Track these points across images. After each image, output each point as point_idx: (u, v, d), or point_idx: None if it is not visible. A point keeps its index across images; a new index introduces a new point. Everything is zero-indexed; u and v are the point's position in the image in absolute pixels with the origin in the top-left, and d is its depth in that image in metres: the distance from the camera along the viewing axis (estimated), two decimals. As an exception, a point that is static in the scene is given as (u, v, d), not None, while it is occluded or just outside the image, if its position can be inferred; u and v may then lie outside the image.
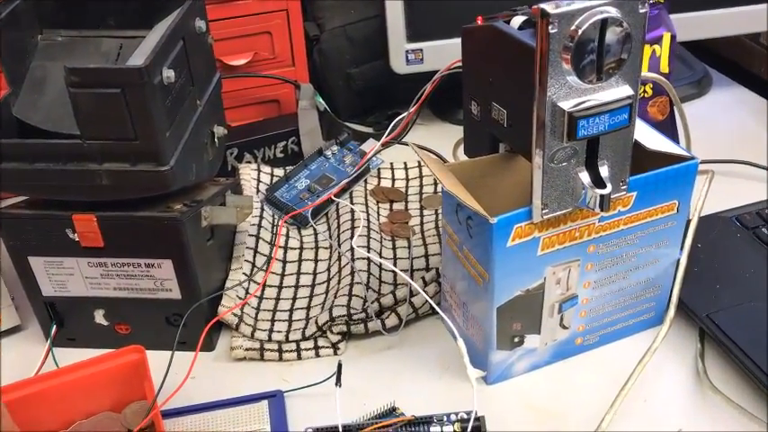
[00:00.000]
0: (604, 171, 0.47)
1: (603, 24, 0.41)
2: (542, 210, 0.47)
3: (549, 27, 0.41)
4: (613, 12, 0.41)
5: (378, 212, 0.71)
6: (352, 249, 0.63)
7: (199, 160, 0.56)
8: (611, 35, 0.42)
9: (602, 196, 0.46)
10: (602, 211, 0.47)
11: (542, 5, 0.41)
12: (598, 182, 0.46)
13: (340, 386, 0.49)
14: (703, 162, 0.72)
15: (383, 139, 0.63)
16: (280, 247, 0.66)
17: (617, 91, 0.44)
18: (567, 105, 0.43)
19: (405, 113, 0.64)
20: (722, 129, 0.83)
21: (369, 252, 0.64)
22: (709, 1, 0.80)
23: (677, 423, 0.51)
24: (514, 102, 0.49)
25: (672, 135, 0.74)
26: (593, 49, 0.42)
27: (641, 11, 0.42)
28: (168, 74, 0.48)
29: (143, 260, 0.54)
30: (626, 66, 0.44)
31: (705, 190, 0.60)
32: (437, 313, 0.60)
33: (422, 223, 0.70)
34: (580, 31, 0.41)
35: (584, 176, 0.46)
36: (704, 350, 0.55)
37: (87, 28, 0.57)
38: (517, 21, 0.48)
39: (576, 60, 0.42)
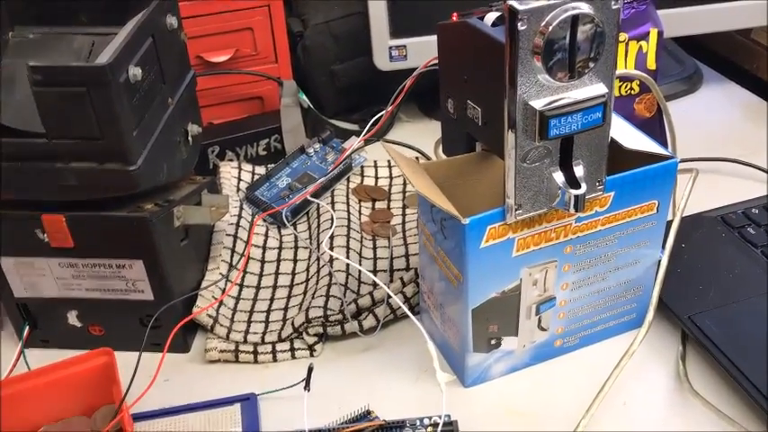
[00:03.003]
0: (579, 171, 0.46)
1: (574, 21, 0.40)
2: (516, 210, 0.46)
3: (519, 24, 0.40)
4: (585, 8, 0.40)
5: (359, 211, 0.70)
6: (330, 249, 0.63)
7: (171, 159, 0.55)
8: (583, 32, 0.41)
9: (576, 197, 0.45)
10: (576, 211, 0.46)
11: (511, 2, 0.39)
12: (573, 182, 0.45)
13: (308, 390, 0.48)
14: (690, 160, 0.72)
15: (362, 136, 0.62)
16: (257, 246, 0.65)
17: (590, 89, 0.43)
18: (538, 104, 0.42)
19: (383, 111, 0.63)
20: (712, 126, 0.82)
21: (348, 252, 0.63)
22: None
23: (656, 427, 0.50)
24: (488, 100, 0.48)
25: (660, 133, 0.73)
26: (564, 47, 0.41)
27: (614, 7, 0.41)
28: (135, 72, 0.47)
29: (114, 261, 0.54)
30: (599, 63, 0.42)
31: (689, 189, 0.59)
32: (414, 315, 0.60)
33: (404, 222, 0.69)
34: (550, 28, 0.40)
35: (558, 176, 0.45)
36: (686, 352, 0.54)
37: (59, 25, 0.57)
38: (491, 17, 0.47)
39: (546, 58, 0.41)
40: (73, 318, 0.57)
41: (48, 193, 0.50)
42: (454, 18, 0.50)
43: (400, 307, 0.58)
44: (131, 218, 0.51)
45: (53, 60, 0.55)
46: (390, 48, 0.76)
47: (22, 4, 0.56)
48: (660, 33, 0.70)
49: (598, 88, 0.43)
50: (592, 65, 0.42)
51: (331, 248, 0.63)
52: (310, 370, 0.49)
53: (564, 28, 0.40)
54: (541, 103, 0.42)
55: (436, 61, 0.55)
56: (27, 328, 0.58)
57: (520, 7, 0.39)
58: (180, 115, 0.57)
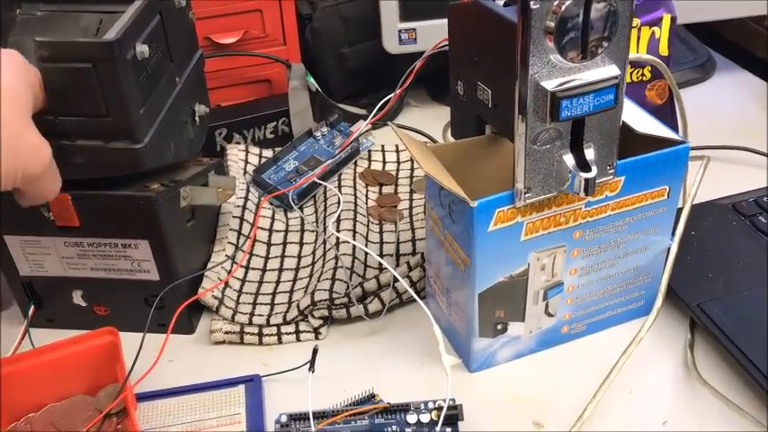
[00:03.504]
0: (590, 154, 0.45)
1: (588, 1, 0.39)
2: (525, 194, 0.45)
3: (531, 3, 0.39)
4: (599, -13, 0.40)
5: (366, 196, 0.70)
6: (335, 233, 0.62)
7: (178, 139, 0.55)
8: (596, 11, 0.40)
9: (586, 180, 0.44)
10: (586, 195, 0.45)
11: (523, -20, 0.39)
12: (583, 165, 0.45)
13: (313, 372, 0.48)
14: (702, 148, 0.71)
15: (369, 119, 0.61)
16: (264, 229, 0.65)
17: (603, 71, 0.42)
18: (549, 85, 0.41)
19: (391, 94, 0.63)
20: (725, 114, 0.81)
21: (354, 236, 0.63)
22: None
23: (662, 415, 0.49)
24: (498, 81, 0.47)
25: (671, 120, 0.72)
26: (577, 26, 0.40)
27: (629, -14, 0.40)
28: (142, 49, 0.47)
29: (119, 240, 0.53)
30: (612, 44, 0.42)
31: (700, 176, 0.58)
32: (421, 299, 0.59)
33: (411, 207, 0.68)
34: (563, 7, 0.39)
35: (569, 159, 0.45)
36: (694, 341, 0.54)
37: (66, 2, 0.56)
38: (502, -3, 0.46)
39: (558, 37, 0.40)
40: (78, 297, 0.57)
41: (54, 170, 0.50)
42: (465, -1, 0.50)
43: (406, 291, 0.58)
44: (137, 197, 0.51)
45: (60, 37, 0.54)
46: (400, 31, 0.76)
47: (30, -19, 0.56)
48: (673, 19, 0.69)
49: (611, 70, 0.42)
50: (605, 44, 0.41)
51: (338, 231, 0.63)
52: (315, 352, 0.49)
53: (577, 6, 0.39)
54: (553, 84, 0.42)
55: (446, 43, 0.55)
56: (32, 306, 0.58)
57: (532, -15, 0.39)
58: (187, 95, 0.56)
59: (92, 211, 0.52)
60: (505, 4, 0.46)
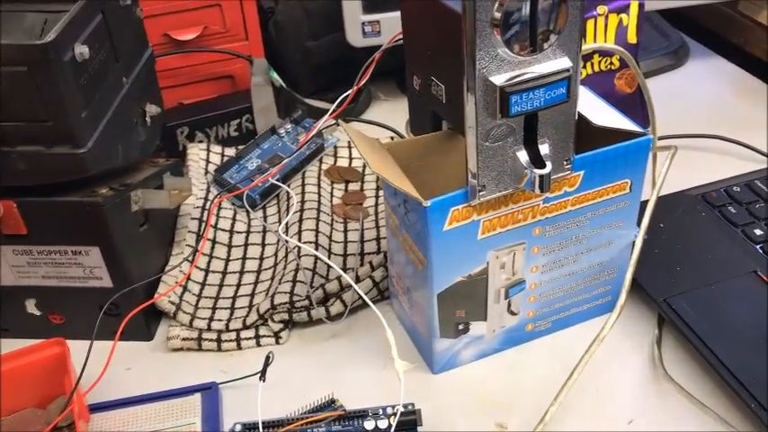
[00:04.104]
0: (545, 149, 0.44)
1: (534, -10, 0.38)
2: (479, 192, 0.44)
3: (475, -6, 0.37)
4: (545, -24, 0.38)
5: (331, 194, 0.68)
6: (298, 233, 0.61)
7: (127, 141, 0.53)
8: (543, 2, 0.38)
9: (541, 176, 0.43)
10: (542, 192, 0.44)
11: (466, -30, 0.37)
12: (537, 161, 0.43)
13: (263, 381, 0.47)
14: (672, 137, 0.70)
15: (327, 116, 0.60)
16: (224, 230, 0.63)
17: (554, 63, 0.41)
18: (498, 80, 0.40)
19: (361, 90, 0.61)
20: (698, 101, 0.80)
21: (317, 235, 0.61)
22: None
23: (628, 413, 0.48)
24: (451, 76, 0.46)
25: (641, 108, 0.70)
26: (524, 18, 0.39)
27: (578, -25, 0.39)
28: (81, 50, 0.45)
29: (69, 247, 0.52)
30: (563, 35, 0.40)
31: (666, 167, 0.57)
32: (384, 299, 0.58)
33: (377, 204, 0.67)
34: (509, -2, 0.38)
35: (522, 155, 0.43)
36: (661, 336, 0.53)
37: (9, 1, 0.54)
38: (452, -12, 0.45)
39: (505, 30, 0.39)
40: (31, 306, 0.56)
41: (-2, 177, 0.49)
42: (417, -10, 0.48)
43: (369, 291, 0.57)
44: (84, 203, 0.49)
45: (3, 38, 0.52)
46: (363, 23, 0.74)
47: (-30, -20, 0.54)
48: (641, 6, 0.67)
49: (562, 62, 0.41)
50: (553, 38, 0.40)
51: (299, 232, 0.61)
52: (267, 359, 0.48)
53: (523, -3, 0.38)
54: (502, 78, 0.40)
55: (401, 36, 0.53)
56: (-16, 317, 0.56)
57: (476, -24, 0.37)
58: (136, 95, 0.54)
59: (39, 218, 0.51)
60: (455, -4, 0.44)
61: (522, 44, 0.39)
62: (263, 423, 0.46)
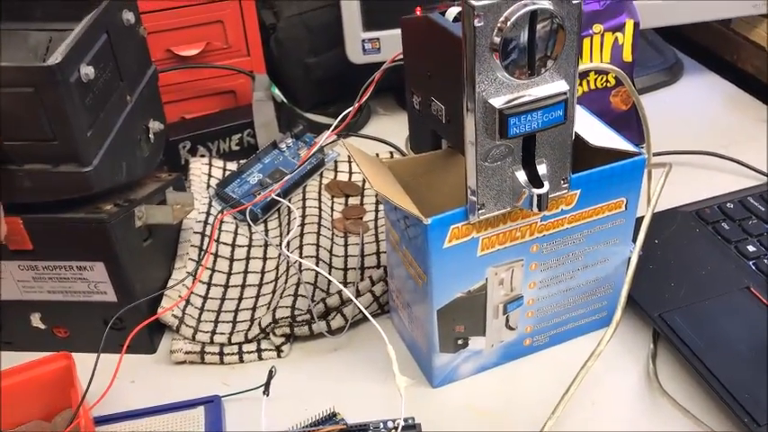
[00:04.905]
0: (542, 169, 0.45)
1: (533, 17, 0.39)
2: (479, 210, 0.45)
3: (475, 20, 0.39)
4: (544, 3, 0.39)
5: (332, 208, 0.69)
6: (300, 247, 0.62)
7: (131, 158, 0.54)
8: (541, 29, 0.39)
9: (539, 196, 0.44)
10: (540, 210, 0.45)
11: (467, -3, 0.38)
12: (535, 181, 0.44)
13: (267, 395, 0.48)
14: (666, 153, 0.71)
15: (329, 131, 0.61)
16: (226, 244, 0.64)
17: (551, 86, 0.42)
18: (497, 102, 0.41)
19: (353, 106, 0.62)
20: (692, 118, 0.81)
21: (318, 249, 0.62)
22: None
23: (624, 427, 0.49)
24: (450, 97, 0.47)
25: (637, 126, 0.72)
26: (523, 44, 0.40)
27: (575, 1, 0.40)
28: (87, 71, 0.46)
29: (74, 263, 0.53)
30: (560, 60, 0.41)
31: (661, 184, 0.58)
32: (384, 313, 0.59)
33: (376, 219, 0.68)
34: (508, 24, 0.39)
35: (521, 175, 0.44)
36: (656, 351, 0.54)
37: (14, 20, 0.55)
38: (452, 12, 0.46)
39: (504, 55, 0.40)
40: (36, 320, 0.57)
41: (3, 195, 0.49)
42: (418, 13, 0.49)
43: (369, 305, 0.58)
44: (89, 219, 0.50)
45: (9, 57, 0.53)
46: (363, 41, 0.75)
47: (-23, -1, 0.55)
48: (636, 25, 0.69)
49: (559, 86, 0.42)
50: (551, 62, 0.41)
51: (300, 247, 0.62)
52: (270, 374, 0.49)
53: (522, 24, 0.39)
54: (501, 101, 0.41)
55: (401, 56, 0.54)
56: (-10, 330, 0.57)
57: (476, 3, 0.38)
58: (140, 112, 0.55)
59: (45, 235, 0.51)
60: (455, 20, 0.46)
61: (520, 69, 0.40)
62: (264, 436, 0.47)
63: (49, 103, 0.44)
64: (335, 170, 0.73)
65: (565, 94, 0.42)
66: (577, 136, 0.47)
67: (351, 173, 0.74)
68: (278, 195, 0.65)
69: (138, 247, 0.55)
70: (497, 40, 0.39)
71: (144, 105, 0.56)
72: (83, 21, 0.51)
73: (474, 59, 0.40)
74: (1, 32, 0.54)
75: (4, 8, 0.54)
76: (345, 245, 0.65)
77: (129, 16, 0.52)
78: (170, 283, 0.59)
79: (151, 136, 0.57)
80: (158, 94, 0.59)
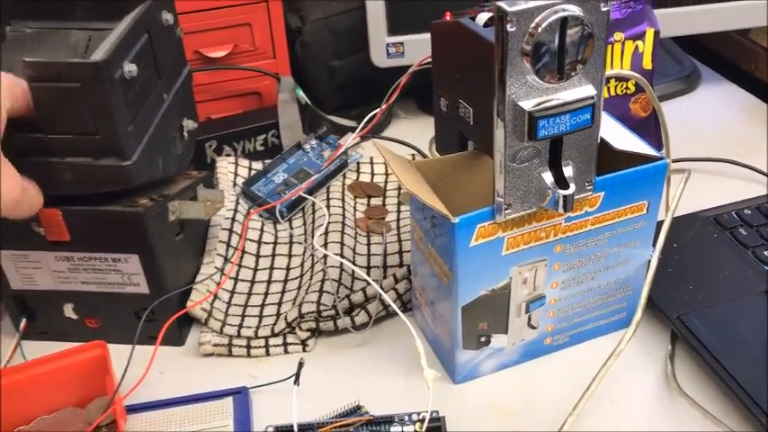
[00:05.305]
0: (568, 171, 0.46)
1: (563, 23, 0.40)
2: (505, 210, 0.46)
3: (508, 25, 0.40)
4: (574, 10, 0.41)
5: (354, 208, 0.70)
6: (324, 245, 0.63)
7: (166, 154, 0.55)
8: (571, 35, 0.41)
9: (565, 197, 0.45)
10: (565, 211, 0.46)
11: (500, 3, 0.40)
12: (561, 182, 0.46)
13: (298, 385, 0.49)
14: (684, 160, 0.72)
15: (356, 134, 0.62)
16: (253, 241, 0.66)
17: (579, 90, 0.43)
18: (527, 105, 0.43)
19: (377, 109, 0.64)
20: (709, 126, 0.82)
21: (342, 248, 0.64)
22: (696, -4, 0.79)
23: (642, 425, 0.50)
24: (479, 100, 0.48)
25: (655, 132, 0.73)
26: (553, 49, 0.41)
27: (603, 9, 0.42)
28: (130, 68, 0.48)
29: (109, 255, 0.54)
30: (588, 65, 0.43)
31: (680, 190, 0.59)
32: (407, 311, 0.60)
33: (398, 219, 0.69)
34: (539, 30, 0.40)
35: (548, 177, 0.46)
36: (674, 352, 0.55)
37: (56, 19, 0.57)
38: (483, 17, 0.47)
39: (535, 60, 0.41)
40: (69, 310, 0.58)
41: (44, 187, 0.51)
42: (447, 17, 0.51)
43: (393, 302, 0.59)
44: (126, 212, 0.52)
45: (50, 55, 0.55)
46: (387, 45, 0.77)
47: (20, -2, 0.57)
48: (656, 33, 0.70)
49: (587, 90, 0.43)
50: (580, 67, 0.42)
51: (325, 245, 0.63)
52: (300, 365, 0.50)
53: (553, 30, 0.40)
54: (530, 103, 0.43)
55: (430, 59, 0.56)
56: (24, 320, 0.59)
57: (509, 8, 0.40)
58: (175, 110, 0.57)
59: (82, 226, 0.53)
60: (485, 25, 0.47)
61: (550, 73, 0.42)
62: (293, 426, 0.48)
63: (94, 99, 0.46)
64: (358, 171, 0.75)
65: (592, 98, 0.43)
66: (602, 139, 0.49)
67: (373, 174, 0.75)
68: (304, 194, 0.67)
69: (171, 241, 0.56)
70: (528, 44, 0.41)
71: (179, 104, 0.57)
72: (123, 20, 0.53)
73: (505, 63, 0.41)
74: (44, 31, 0.55)
75: (46, 8, 0.56)
76: (368, 244, 0.67)
77: (168, 17, 0.54)
78: (199, 277, 0.60)
79: (185, 134, 0.59)
80: (192, 94, 0.61)
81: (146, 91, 0.52)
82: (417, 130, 0.82)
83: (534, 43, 0.40)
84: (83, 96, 0.46)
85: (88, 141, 0.48)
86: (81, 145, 0.48)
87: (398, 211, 0.70)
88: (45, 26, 0.57)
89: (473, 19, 0.48)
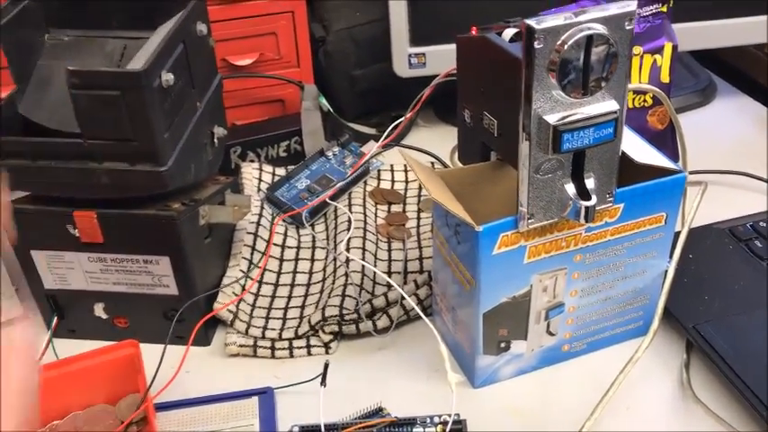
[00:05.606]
0: (590, 183, 0.47)
1: (589, 41, 0.42)
2: (528, 219, 0.48)
3: (535, 42, 0.41)
4: (599, 28, 0.42)
5: (375, 214, 0.72)
6: (346, 251, 0.65)
7: (198, 160, 0.57)
8: (597, 52, 0.42)
9: (587, 208, 0.47)
10: (587, 222, 0.48)
11: (528, 21, 0.41)
12: (583, 193, 0.47)
13: (325, 386, 0.51)
14: (700, 172, 0.73)
15: (380, 142, 0.64)
16: (277, 245, 0.68)
17: (603, 105, 0.45)
18: (552, 119, 0.44)
19: (401, 117, 0.65)
20: (725, 138, 0.83)
21: (364, 253, 0.65)
22: (714, 11, 0.80)
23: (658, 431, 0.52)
24: (504, 112, 0.50)
25: (671, 145, 0.74)
26: (578, 66, 0.43)
27: (627, 27, 0.43)
28: (167, 77, 0.50)
29: (141, 256, 0.56)
30: (612, 81, 0.44)
31: (697, 201, 0.60)
32: (428, 316, 0.62)
33: (418, 226, 0.71)
34: (565, 47, 0.42)
35: (570, 188, 0.47)
36: (690, 361, 0.56)
37: (92, 28, 0.59)
38: (509, 33, 0.49)
39: (561, 75, 0.43)
40: (99, 310, 0.60)
41: (80, 191, 0.53)
42: (473, 32, 0.52)
43: (413, 308, 0.60)
44: (160, 216, 0.53)
45: (87, 63, 0.57)
46: (410, 55, 0.78)
47: (57, 6, 0.59)
48: (675, 47, 0.71)
49: (610, 105, 0.45)
50: (604, 84, 0.44)
51: (347, 250, 0.65)
52: (326, 366, 0.52)
53: (579, 47, 0.42)
54: (555, 117, 0.44)
55: (454, 71, 0.57)
56: (55, 318, 0.60)
57: (537, 26, 0.41)
58: (207, 118, 0.59)
59: (116, 229, 0.55)
60: (511, 40, 0.49)
61: (575, 89, 0.43)
62: (318, 427, 0.50)
63: (134, 106, 0.48)
64: (378, 178, 0.77)
65: (615, 112, 0.45)
66: (622, 152, 0.50)
67: (393, 181, 0.77)
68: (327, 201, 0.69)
69: (200, 244, 0.58)
70: (555, 61, 0.42)
71: (210, 112, 0.59)
72: (157, 30, 0.55)
73: (532, 78, 0.43)
74: (81, 39, 0.57)
75: (83, 17, 0.58)
76: (389, 250, 0.68)
77: (202, 27, 0.56)
78: (225, 280, 0.62)
79: (215, 141, 0.60)
80: (222, 102, 0.63)
81: (181, 99, 0.54)
82: (436, 139, 0.83)
83: (560, 60, 0.42)
84: (122, 104, 0.48)
85: (126, 147, 0.50)
86: (119, 150, 0.50)
87: (418, 218, 0.72)
88: (82, 35, 0.59)
89: (499, 34, 0.49)
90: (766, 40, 0.85)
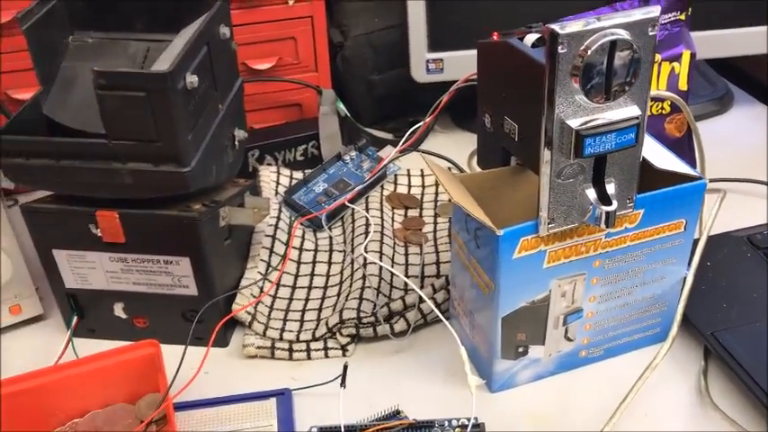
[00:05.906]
0: (611, 188, 0.48)
1: (612, 47, 0.42)
2: (548, 224, 0.48)
3: (559, 47, 0.42)
4: (623, 34, 0.42)
5: (392, 218, 0.72)
6: (364, 254, 0.65)
7: (219, 162, 0.58)
8: (620, 57, 0.43)
9: (607, 213, 0.47)
10: (607, 227, 0.48)
11: (552, 26, 0.42)
12: (604, 199, 0.47)
13: (344, 387, 0.51)
14: (719, 180, 0.73)
15: (399, 147, 0.64)
16: (294, 248, 0.68)
17: (625, 111, 0.45)
18: (574, 123, 0.44)
19: (421, 122, 0.66)
20: (742, 147, 0.83)
21: (381, 257, 0.66)
22: (731, 20, 0.80)
23: (676, 438, 0.52)
24: (525, 117, 0.50)
25: (689, 152, 0.74)
26: (602, 71, 0.43)
27: (651, 33, 0.43)
28: (192, 79, 0.50)
29: (162, 257, 0.56)
30: (634, 87, 0.44)
31: (716, 209, 0.60)
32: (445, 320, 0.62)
33: (435, 230, 0.71)
34: (589, 53, 0.42)
35: (591, 193, 0.47)
36: (707, 368, 0.56)
37: (116, 30, 0.60)
38: (531, 38, 0.49)
39: (584, 81, 0.43)
40: (119, 309, 0.60)
41: (103, 191, 0.53)
42: (495, 38, 0.52)
43: (431, 312, 0.61)
44: (181, 217, 0.54)
45: (111, 64, 0.58)
46: (428, 61, 0.79)
47: (82, 8, 0.60)
48: (693, 55, 0.71)
49: (632, 110, 0.45)
50: (627, 89, 0.44)
51: (366, 252, 0.65)
52: (345, 368, 0.52)
53: (602, 53, 0.42)
54: (577, 122, 0.44)
55: (474, 77, 0.57)
56: (75, 317, 0.61)
57: (561, 31, 0.42)
58: (228, 121, 0.59)
59: (137, 229, 0.55)
60: (533, 45, 0.49)
61: (598, 94, 0.44)
62: (337, 428, 0.50)
63: (159, 107, 0.48)
64: (395, 183, 0.77)
65: (637, 118, 0.45)
66: (643, 158, 0.50)
67: (410, 186, 0.77)
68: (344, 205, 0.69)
69: (220, 245, 0.58)
70: (578, 65, 0.42)
71: (232, 114, 0.60)
72: (180, 32, 0.55)
73: (555, 83, 0.43)
74: (105, 41, 0.58)
75: (107, 19, 0.59)
76: (406, 254, 0.68)
77: (225, 31, 0.57)
78: (243, 282, 0.63)
79: (236, 143, 0.61)
80: (243, 105, 0.63)
81: (204, 101, 0.54)
82: (453, 144, 0.84)
83: (584, 65, 0.42)
84: (148, 105, 0.48)
85: (150, 148, 0.50)
86: (143, 151, 0.51)
87: (435, 223, 0.72)
88: (105, 37, 0.60)
89: (521, 39, 0.50)
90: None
